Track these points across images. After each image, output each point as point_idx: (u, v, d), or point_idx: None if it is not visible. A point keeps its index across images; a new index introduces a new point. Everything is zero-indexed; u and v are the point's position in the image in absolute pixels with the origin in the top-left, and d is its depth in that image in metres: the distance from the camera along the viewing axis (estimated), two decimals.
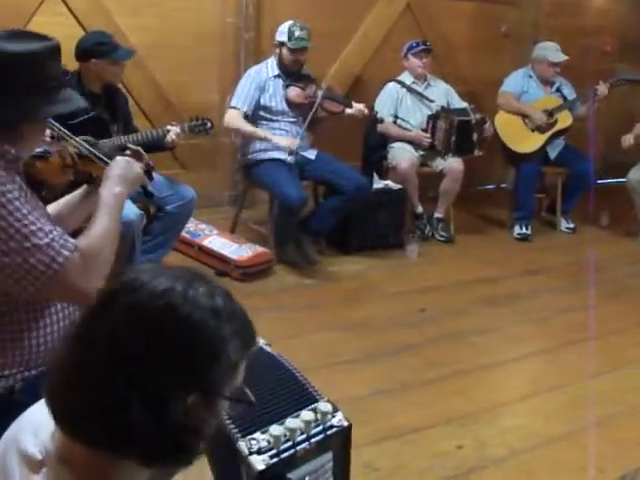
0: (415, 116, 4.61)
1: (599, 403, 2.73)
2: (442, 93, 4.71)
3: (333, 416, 1.37)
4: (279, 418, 1.32)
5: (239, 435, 1.28)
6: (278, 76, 4.01)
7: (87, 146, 1.78)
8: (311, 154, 4.07)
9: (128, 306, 0.90)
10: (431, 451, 2.38)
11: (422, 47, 4.59)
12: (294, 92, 3.97)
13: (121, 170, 1.67)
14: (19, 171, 1.50)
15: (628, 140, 4.65)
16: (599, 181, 5.54)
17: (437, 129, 4.52)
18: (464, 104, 4.66)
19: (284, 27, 3.95)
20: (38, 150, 1.71)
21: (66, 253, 1.42)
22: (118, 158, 1.71)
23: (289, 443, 1.30)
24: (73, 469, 0.92)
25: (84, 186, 1.79)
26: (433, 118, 4.55)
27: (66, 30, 3.72)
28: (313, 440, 1.33)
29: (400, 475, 2.26)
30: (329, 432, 1.35)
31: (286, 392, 1.39)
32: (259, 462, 1.25)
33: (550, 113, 4.74)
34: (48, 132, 1.80)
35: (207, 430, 0.94)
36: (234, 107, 3.97)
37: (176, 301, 0.90)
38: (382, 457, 2.31)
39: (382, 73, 4.82)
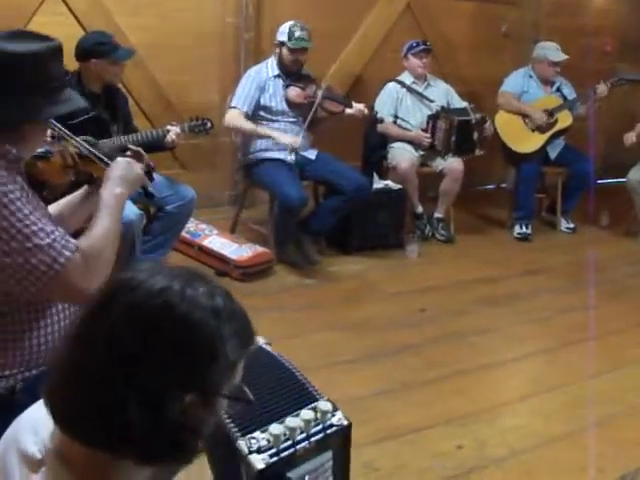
0: (415, 116, 4.61)
1: (599, 403, 2.73)
2: (442, 93, 4.71)
3: (333, 415, 1.37)
4: (279, 417, 1.32)
5: (239, 434, 1.28)
6: (278, 76, 4.01)
7: (88, 146, 1.78)
8: (311, 154, 4.07)
9: (126, 305, 0.90)
10: (431, 451, 2.38)
11: (422, 47, 4.59)
12: (294, 92, 3.97)
13: (122, 171, 1.67)
14: (20, 171, 1.50)
15: (630, 138, 4.64)
16: (599, 181, 5.54)
17: (437, 129, 4.52)
18: (464, 104, 4.66)
19: (285, 27, 3.95)
20: (39, 150, 1.71)
21: (67, 254, 1.43)
22: (119, 159, 1.71)
23: (289, 442, 1.30)
24: (72, 468, 0.92)
25: (85, 186, 1.79)
26: (433, 118, 4.55)
27: (66, 30, 3.71)
28: (313, 439, 1.33)
29: (400, 475, 2.26)
30: (329, 431, 1.36)
31: (286, 391, 1.39)
32: (259, 461, 1.25)
33: (550, 113, 4.74)
34: (49, 132, 1.80)
35: (205, 429, 0.94)
36: (234, 107, 3.97)
37: (173, 300, 0.90)
38: (382, 457, 2.31)
39: (382, 73, 4.82)
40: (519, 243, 4.76)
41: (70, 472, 0.92)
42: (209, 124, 3.65)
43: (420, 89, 4.65)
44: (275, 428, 1.29)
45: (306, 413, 1.34)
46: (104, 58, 3.26)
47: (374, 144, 4.68)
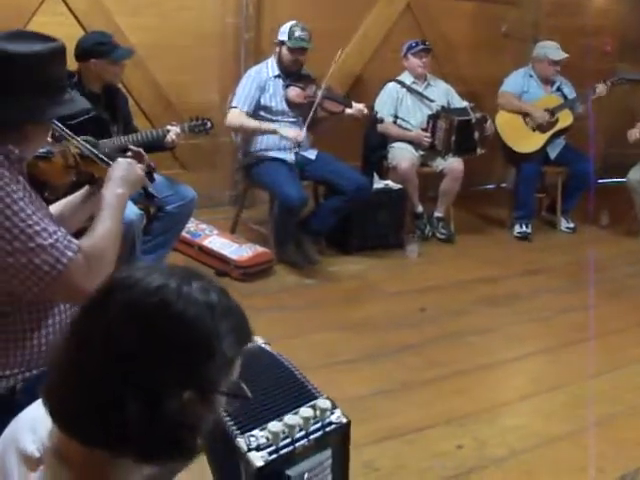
0: (415, 116, 4.61)
1: (599, 403, 2.73)
2: (442, 93, 4.71)
3: (332, 413, 1.37)
4: (278, 415, 1.33)
5: (238, 432, 1.28)
6: (278, 76, 4.01)
7: (89, 147, 1.78)
8: (311, 154, 4.08)
9: (123, 303, 0.90)
10: (431, 451, 2.38)
11: (421, 47, 4.59)
12: (294, 92, 3.97)
13: (123, 172, 1.67)
14: (23, 172, 1.50)
15: (634, 134, 4.64)
16: (599, 181, 5.54)
17: (437, 129, 4.52)
18: (464, 103, 4.66)
19: (286, 27, 3.95)
20: (41, 151, 1.71)
21: (70, 254, 1.43)
22: (120, 160, 1.72)
23: (288, 440, 1.30)
24: (70, 467, 0.92)
25: (86, 187, 1.79)
26: (433, 118, 4.55)
27: (66, 30, 3.71)
28: (312, 437, 1.33)
29: (400, 475, 2.26)
30: (328, 429, 1.36)
31: (285, 389, 1.39)
32: (258, 459, 1.26)
33: (551, 112, 4.74)
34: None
35: (204, 426, 0.95)
36: (235, 107, 3.97)
37: (170, 297, 0.90)
38: (382, 457, 2.31)
39: (382, 73, 4.82)
40: (519, 243, 4.76)
41: (69, 470, 0.92)
42: (209, 124, 3.65)
43: (420, 89, 4.66)
44: (274, 426, 1.30)
45: (305, 411, 1.34)
46: (104, 58, 3.26)
47: (374, 144, 4.68)
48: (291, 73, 4.01)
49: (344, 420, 1.37)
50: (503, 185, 5.35)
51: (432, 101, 4.61)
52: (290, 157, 4.00)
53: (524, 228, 4.79)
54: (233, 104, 3.99)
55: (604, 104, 5.06)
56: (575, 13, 5.93)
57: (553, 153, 4.88)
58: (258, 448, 1.26)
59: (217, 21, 4.58)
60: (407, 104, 4.62)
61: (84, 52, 3.26)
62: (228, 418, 1.28)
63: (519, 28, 5.64)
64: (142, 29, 4.26)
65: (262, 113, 4.01)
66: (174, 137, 3.42)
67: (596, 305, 3.66)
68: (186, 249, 3.91)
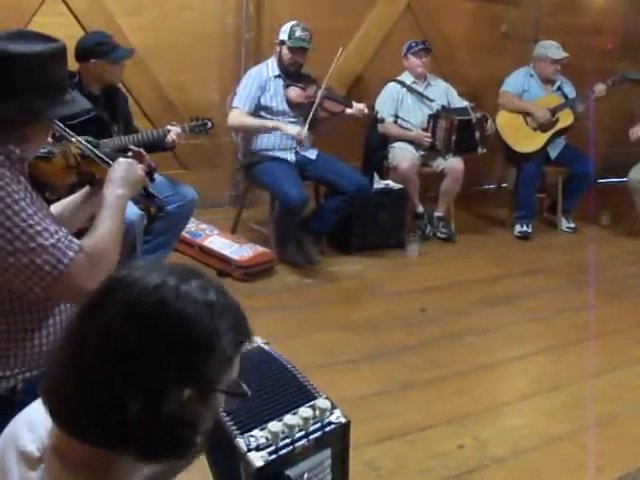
0: (416, 116, 4.61)
1: (600, 403, 2.74)
2: (442, 92, 4.71)
3: (331, 413, 1.37)
4: (277, 415, 1.33)
5: (237, 432, 1.28)
6: (278, 76, 4.01)
7: (90, 147, 1.78)
8: (312, 154, 4.07)
9: (122, 303, 0.90)
10: (432, 451, 2.38)
11: (421, 46, 4.59)
12: (294, 92, 3.97)
13: (123, 172, 1.67)
14: (24, 172, 1.51)
15: (636, 133, 4.63)
16: (600, 180, 5.55)
17: (438, 128, 4.52)
18: (465, 103, 4.65)
19: (287, 26, 3.95)
20: (42, 151, 1.72)
21: (71, 254, 1.43)
22: (120, 160, 1.72)
23: (287, 440, 1.30)
24: (70, 465, 0.92)
25: (86, 187, 1.79)
26: (434, 118, 4.55)
27: (66, 30, 3.69)
28: (311, 437, 1.33)
29: (401, 475, 2.26)
30: (327, 429, 1.36)
31: (284, 389, 1.39)
32: (257, 459, 1.26)
33: (552, 112, 4.74)
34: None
35: (203, 424, 0.95)
36: (236, 107, 3.97)
37: (168, 296, 0.90)
38: (383, 457, 2.31)
39: (382, 73, 4.82)
40: (520, 243, 4.75)
41: (69, 469, 0.92)
42: (209, 124, 3.65)
43: (420, 89, 4.66)
44: (274, 426, 1.30)
45: (305, 411, 1.34)
46: (104, 58, 3.26)
47: (375, 144, 4.68)
48: (291, 73, 4.00)
49: (343, 420, 1.37)
50: (504, 185, 5.34)
51: (432, 101, 4.61)
52: (291, 157, 4.01)
53: (525, 228, 4.79)
54: (234, 104, 3.99)
55: (605, 104, 5.05)
56: (575, 12, 5.93)
57: (554, 153, 4.88)
58: (258, 448, 1.26)
59: (217, 21, 4.58)
60: (407, 104, 4.62)
61: (84, 52, 3.26)
62: (228, 418, 1.28)
63: (519, 28, 5.64)
64: (142, 29, 4.26)
65: (263, 113, 4.01)
66: (174, 137, 3.43)
67: (596, 305, 3.66)
68: (187, 249, 3.91)
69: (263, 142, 4.02)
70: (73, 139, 1.77)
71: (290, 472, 1.29)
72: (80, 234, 1.57)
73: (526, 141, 4.78)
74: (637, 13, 6.04)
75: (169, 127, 3.45)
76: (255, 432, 1.28)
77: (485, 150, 4.58)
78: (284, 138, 3.99)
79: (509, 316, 3.55)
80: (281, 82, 4.01)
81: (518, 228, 4.81)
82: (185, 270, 0.97)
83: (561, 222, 5.03)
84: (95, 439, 0.90)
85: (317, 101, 3.93)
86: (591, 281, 3.97)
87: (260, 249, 3.85)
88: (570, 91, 4.87)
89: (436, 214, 4.66)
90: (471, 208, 5.24)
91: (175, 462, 1.01)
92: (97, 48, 3.26)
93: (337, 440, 1.38)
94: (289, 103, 3.99)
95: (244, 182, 4.35)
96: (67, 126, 1.76)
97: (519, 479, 2.30)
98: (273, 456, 1.27)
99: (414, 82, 4.65)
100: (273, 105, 4.01)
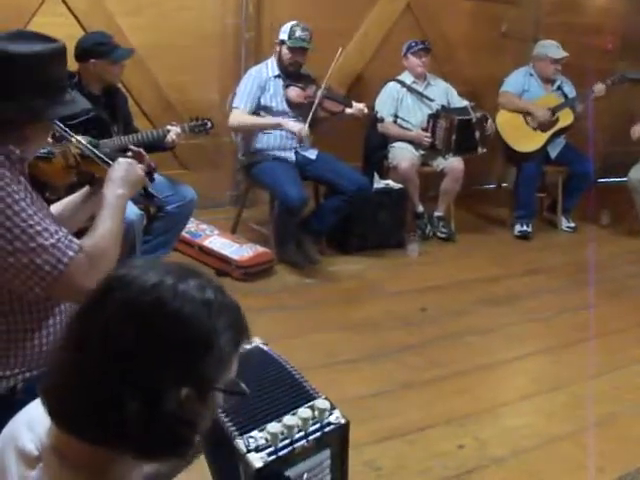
0: (415, 115, 4.61)
1: (600, 403, 2.73)
2: (442, 92, 4.71)
3: (331, 413, 1.37)
4: (277, 416, 1.32)
5: (237, 433, 1.28)
6: (278, 76, 4.01)
7: (90, 147, 1.78)
8: (312, 154, 4.07)
9: (120, 302, 0.91)
10: (432, 451, 2.38)
11: (421, 46, 4.60)
12: (294, 92, 3.97)
13: (123, 172, 1.68)
14: (24, 172, 1.51)
15: (638, 131, 4.63)
16: (600, 180, 5.54)
17: (437, 128, 4.52)
18: (464, 102, 4.65)
19: (287, 26, 3.95)
20: (42, 151, 1.72)
21: (71, 254, 1.43)
22: (120, 160, 1.72)
23: (287, 441, 1.30)
24: (69, 464, 0.92)
25: (86, 187, 1.79)
26: (433, 117, 4.55)
27: (66, 30, 3.69)
28: (311, 437, 1.33)
29: (401, 475, 2.26)
30: (327, 429, 1.36)
31: (283, 390, 1.39)
32: (257, 460, 1.26)
33: (552, 111, 4.74)
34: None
35: (202, 423, 0.95)
36: (236, 107, 3.97)
37: (165, 295, 0.91)
38: (383, 457, 2.31)
39: (382, 72, 4.82)
40: (520, 243, 4.75)
41: (67, 468, 0.92)
42: (209, 124, 3.65)
43: (420, 88, 4.65)
44: (273, 427, 1.29)
45: (304, 411, 1.34)
46: (103, 58, 3.26)
47: (375, 144, 4.68)
48: (291, 73, 4.00)
49: (343, 421, 1.37)
50: (504, 185, 5.34)
51: (432, 100, 4.61)
52: (291, 157, 4.01)
53: (525, 227, 4.79)
54: (234, 105, 3.99)
55: (604, 103, 5.05)
56: (575, 12, 5.92)
57: (554, 152, 4.87)
58: (257, 449, 1.26)
59: (217, 21, 4.58)
60: (407, 104, 4.62)
61: (84, 52, 3.26)
62: (227, 419, 1.28)
63: (519, 27, 5.64)
64: (142, 29, 4.26)
65: (262, 113, 4.01)
66: (174, 137, 3.43)
67: (596, 305, 3.66)
68: (187, 249, 3.91)
69: (263, 142, 4.01)
70: (73, 139, 1.77)
71: (289, 473, 1.29)
72: (80, 234, 1.57)
73: (526, 141, 4.78)
74: (637, 13, 6.04)
75: (169, 127, 3.45)
76: (254, 433, 1.28)
77: (485, 150, 4.58)
78: (284, 138, 3.99)
79: (509, 316, 3.55)
80: (281, 82, 4.00)
81: (518, 228, 4.81)
82: (183, 269, 0.97)
83: (561, 222, 5.03)
84: (94, 438, 0.90)
85: (317, 101, 3.93)
86: (591, 281, 3.97)
87: (260, 249, 3.85)
88: (570, 91, 4.86)
89: (436, 214, 4.66)
90: (471, 208, 5.24)
91: (174, 461, 1.01)
92: (97, 48, 3.26)
93: (336, 440, 1.38)
94: (289, 103, 3.99)
95: (244, 182, 4.35)
96: (67, 126, 1.76)
97: (519, 479, 2.30)
98: (272, 457, 1.27)
99: (414, 82, 4.65)
100: (273, 105, 4.00)
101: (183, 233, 3.68)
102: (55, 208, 1.72)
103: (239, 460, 1.27)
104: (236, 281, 3.66)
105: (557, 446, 2.45)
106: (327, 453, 1.36)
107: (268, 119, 3.95)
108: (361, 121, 4.27)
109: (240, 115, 3.95)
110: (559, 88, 4.87)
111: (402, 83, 4.63)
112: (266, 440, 1.28)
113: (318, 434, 1.33)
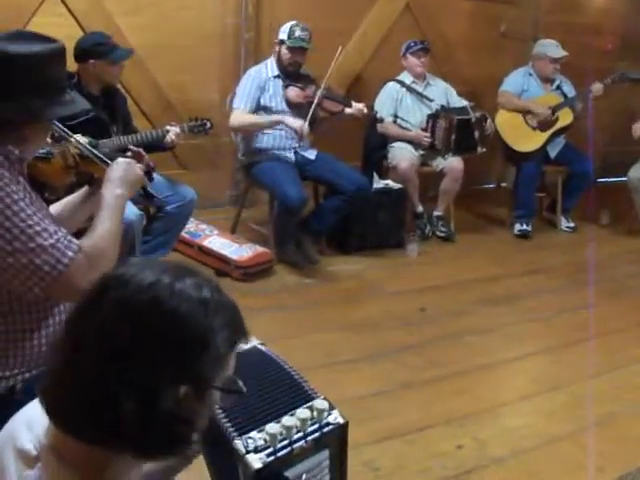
0: (415, 115, 4.61)
1: (599, 402, 2.73)
2: (441, 92, 4.71)
3: (329, 414, 1.37)
4: (275, 416, 1.32)
5: (235, 434, 1.28)
6: (278, 76, 4.01)
7: (89, 147, 1.78)
8: (311, 154, 4.07)
9: (116, 301, 0.91)
10: (431, 451, 2.38)
11: (420, 46, 4.60)
12: (293, 92, 3.97)
13: (122, 172, 1.67)
14: (23, 172, 1.51)
15: (639, 130, 4.63)
16: (599, 180, 5.54)
17: (437, 128, 4.52)
18: (464, 102, 4.65)
19: (286, 26, 3.95)
20: (41, 151, 1.71)
21: (70, 254, 1.43)
22: (119, 160, 1.72)
23: (286, 441, 1.30)
24: (67, 464, 0.93)
25: (85, 187, 1.79)
26: (433, 117, 4.55)
27: (66, 31, 3.70)
28: (309, 438, 1.33)
29: (400, 475, 2.26)
30: (325, 430, 1.35)
31: (282, 390, 1.39)
32: (256, 461, 1.25)
33: (552, 110, 4.74)
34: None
35: (200, 421, 0.95)
36: (237, 108, 3.96)
37: (162, 294, 0.91)
38: (382, 457, 2.31)
39: (382, 72, 4.82)
40: (519, 242, 4.75)
41: (66, 467, 0.92)
42: (208, 124, 3.65)
43: (420, 88, 4.65)
44: (272, 427, 1.29)
45: (302, 412, 1.34)
46: (103, 59, 3.26)
47: (374, 144, 4.68)
48: (290, 73, 4.00)
49: (341, 421, 1.37)
50: (503, 184, 5.34)
51: (431, 100, 4.61)
52: (290, 157, 4.01)
53: (524, 226, 4.79)
54: (234, 105, 3.98)
55: (603, 103, 5.05)
56: (575, 12, 5.93)
57: (553, 152, 4.88)
58: (256, 450, 1.26)
59: (217, 21, 4.58)
60: (407, 104, 4.62)
61: (83, 53, 3.27)
62: (225, 420, 1.28)
63: (518, 27, 5.64)
64: (142, 29, 4.26)
65: (262, 113, 4.00)
66: (173, 137, 3.43)
67: (596, 305, 3.66)
68: (186, 249, 3.91)
69: (263, 142, 4.01)
70: (72, 139, 1.77)
71: (288, 473, 1.29)
72: (79, 234, 1.57)
73: (525, 140, 4.78)
74: (637, 13, 6.05)
75: (168, 127, 3.45)
76: (253, 434, 1.28)
77: (484, 150, 4.58)
78: (283, 138, 3.99)
79: (509, 316, 3.55)
80: (280, 82, 4.00)
81: (518, 227, 4.81)
82: (179, 268, 0.97)
83: (561, 221, 5.03)
84: (90, 437, 0.91)
85: (316, 101, 3.92)
86: (591, 280, 3.97)
87: (259, 249, 3.85)
88: (569, 90, 4.87)
89: (435, 213, 4.66)
90: (471, 207, 5.24)
91: (172, 459, 1.01)
92: (96, 49, 3.27)
93: (335, 441, 1.38)
94: (288, 103, 3.99)
95: (244, 182, 4.35)
96: (66, 126, 1.76)
97: (518, 479, 2.30)
98: (271, 458, 1.27)
99: (413, 82, 4.65)
100: (272, 105, 4.00)
101: (183, 233, 3.68)
102: (54, 208, 1.72)
103: (238, 461, 1.27)
104: (235, 281, 3.66)
105: (557, 446, 2.45)
106: (326, 453, 1.36)
107: (269, 117, 3.95)
108: (360, 121, 4.27)
109: (241, 115, 3.95)
110: (558, 87, 4.88)
111: (401, 83, 4.63)
112: (265, 441, 1.28)
113: (317, 434, 1.33)
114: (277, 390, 1.38)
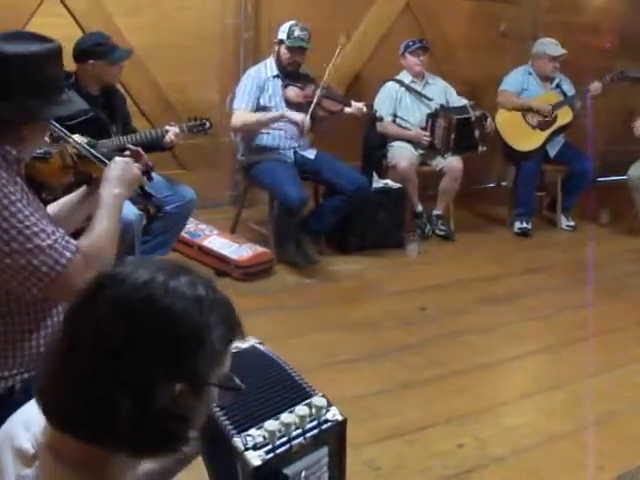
0: (414, 115, 4.61)
1: (599, 401, 2.73)
2: (441, 91, 4.71)
3: (328, 410, 1.37)
4: (274, 414, 1.32)
5: (234, 431, 1.28)
6: (277, 76, 4.01)
7: (87, 147, 1.78)
8: (311, 154, 4.07)
9: (111, 300, 0.90)
10: (432, 450, 2.38)
11: (418, 45, 4.59)
12: (293, 92, 3.97)
13: (119, 171, 1.67)
14: (20, 173, 1.51)
15: None
16: (599, 178, 5.54)
17: (436, 127, 4.52)
18: (464, 101, 4.65)
19: (285, 26, 3.95)
20: (38, 151, 1.71)
21: (68, 254, 1.43)
22: (117, 159, 1.71)
23: (284, 438, 1.30)
24: (65, 463, 0.93)
25: (83, 187, 1.79)
26: (432, 117, 4.55)
27: (65, 31, 3.71)
28: (308, 435, 1.33)
29: (400, 474, 2.26)
30: (324, 427, 1.35)
31: (280, 388, 1.39)
32: (255, 458, 1.25)
33: (552, 109, 4.74)
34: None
35: (197, 418, 0.95)
36: (238, 108, 3.96)
37: (156, 292, 0.91)
38: (382, 456, 2.31)
39: (381, 72, 4.82)
40: (519, 241, 4.75)
41: (63, 466, 0.92)
42: (208, 124, 3.65)
43: (419, 88, 4.65)
44: (270, 424, 1.29)
45: (301, 409, 1.34)
46: (102, 59, 3.27)
47: (374, 143, 4.68)
48: (290, 73, 4.00)
49: (340, 418, 1.37)
50: (503, 183, 5.34)
51: (431, 100, 4.61)
52: (290, 157, 4.00)
53: (524, 224, 4.79)
54: (235, 106, 3.98)
55: (603, 102, 5.05)
56: (574, 11, 5.93)
57: (553, 151, 4.88)
58: (255, 447, 1.26)
59: (217, 21, 4.58)
60: (406, 103, 4.62)
61: (82, 53, 3.27)
62: (224, 418, 1.28)
63: (518, 26, 5.64)
64: (141, 29, 4.26)
65: (262, 113, 4.01)
66: (173, 137, 3.43)
67: (596, 303, 3.66)
68: (186, 249, 3.91)
69: (262, 142, 4.01)
70: (70, 139, 1.77)
71: (287, 470, 1.29)
72: (77, 234, 1.57)
73: (525, 139, 4.78)
74: (635, 12, 6.05)
75: (167, 127, 3.45)
76: (252, 431, 1.28)
77: (485, 148, 4.58)
78: (283, 138, 3.99)
79: (509, 315, 3.55)
80: (279, 82, 4.00)
81: (518, 224, 4.81)
82: (174, 266, 0.97)
83: (560, 220, 5.02)
84: (87, 436, 0.91)
85: (315, 100, 3.92)
86: (591, 279, 3.97)
87: (259, 249, 3.85)
88: (569, 88, 4.87)
89: (435, 213, 4.66)
90: (470, 207, 5.24)
91: (169, 456, 1.01)
92: (95, 49, 3.27)
93: (334, 438, 1.38)
94: (287, 103, 3.99)
95: (243, 182, 4.35)
96: (66, 127, 1.76)
97: (519, 478, 2.30)
98: (270, 455, 1.27)
99: (412, 81, 4.65)
100: (272, 105, 4.00)
101: (182, 233, 3.68)
102: (52, 208, 1.72)
103: (237, 458, 1.26)
104: (235, 281, 3.66)
105: (557, 445, 2.45)
106: (325, 451, 1.36)
107: (270, 113, 3.94)
108: (360, 120, 4.27)
109: (243, 115, 3.95)
110: (558, 86, 4.88)
111: (401, 82, 4.63)
112: (264, 438, 1.28)
113: (315, 431, 1.33)
114: (275, 388, 1.38)
